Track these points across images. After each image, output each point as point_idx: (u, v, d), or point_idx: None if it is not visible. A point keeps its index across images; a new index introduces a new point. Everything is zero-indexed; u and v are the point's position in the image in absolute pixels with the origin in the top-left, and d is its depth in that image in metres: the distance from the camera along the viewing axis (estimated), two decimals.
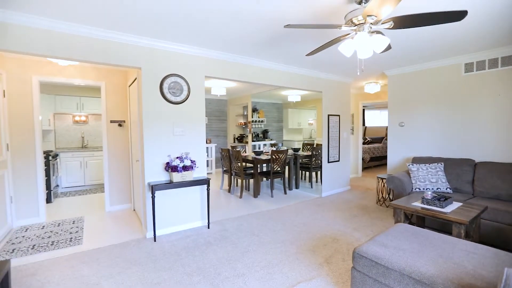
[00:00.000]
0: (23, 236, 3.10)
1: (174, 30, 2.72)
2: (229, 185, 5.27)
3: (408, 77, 4.34)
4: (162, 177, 3.14)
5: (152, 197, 2.91)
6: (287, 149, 5.16)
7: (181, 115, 3.24)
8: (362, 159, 7.61)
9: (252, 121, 8.25)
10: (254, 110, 8.71)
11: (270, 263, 2.46)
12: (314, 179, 6.43)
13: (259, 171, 5.36)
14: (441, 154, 3.98)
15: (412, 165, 3.59)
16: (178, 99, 3.20)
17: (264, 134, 9.07)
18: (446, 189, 3.38)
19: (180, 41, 3.04)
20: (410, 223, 2.88)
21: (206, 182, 3.27)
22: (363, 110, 10.65)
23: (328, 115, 4.93)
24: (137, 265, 2.44)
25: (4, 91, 3.27)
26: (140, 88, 3.02)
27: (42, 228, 3.33)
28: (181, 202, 3.28)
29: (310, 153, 5.69)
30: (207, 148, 7.61)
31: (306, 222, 3.55)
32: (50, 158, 4.55)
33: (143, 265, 2.44)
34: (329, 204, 4.37)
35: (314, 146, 6.53)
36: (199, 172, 3.40)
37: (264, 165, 6.05)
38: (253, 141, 8.14)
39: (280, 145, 7.60)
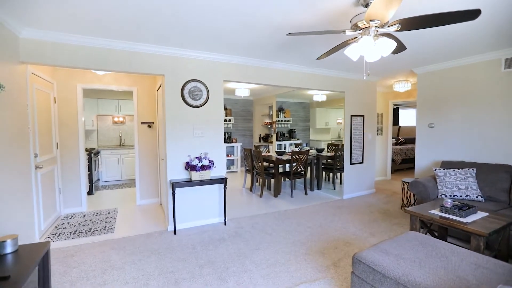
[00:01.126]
0: (68, 223, 3.58)
1: (195, 41, 2.92)
2: (251, 184, 5.42)
3: (439, 75, 4.04)
4: (183, 175, 3.39)
5: (172, 193, 3.17)
6: (308, 150, 5.15)
7: (201, 117, 3.46)
8: (393, 160, 7.23)
9: (278, 121, 8.30)
10: (280, 109, 8.75)
11: (277, 262, 2.54)
12: (337, 181, 6.29)
13: (281, 171, 5.43)
14: (474, 158, 3.66)
15: (439, 170, 3.37)
16: (198, 103, 3.42)
17: (290, 134, 9.05)
18: (477, 197, 3.12)
19: (199, 48, 3.24)
20: (430, 231, 2.74)
21: (223, 181, 3.44)
22: (397, 109, 10.04)
23: (351, 116, 4.80)
24: (157, 254, 2.70)
25: (55, 97, 3.80)
26: (164, 93, 3.29)
27: (83, 217, 3.82)
28: (200, 199, 3.51)
29: (334, 153, 5.59)
30: (233, 147, 7.86)
31: (321, 223, 3.55)
32: (92, 155, 5.13)
33: (161, 254, 2.69)
34: (349, 207, 4.28)
35: (340, 146, 6.39)
36: (217, 172, 3.59)
37: (288, 165, 6.10)
38: (278, 140, 8.20)
39: (304, 145, 7.56)
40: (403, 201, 4.16)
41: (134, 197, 4.89)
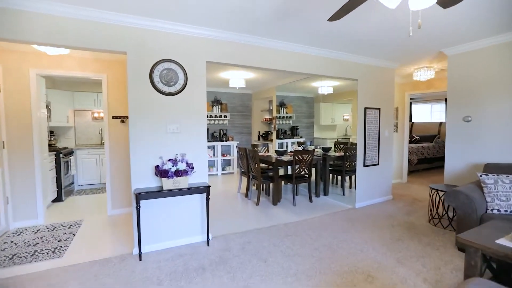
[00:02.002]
0: (12, 242, 2.85)
1: (166, 6, 2.15)
2: (247, 188, 4.66)
3: (478, 55, 3.23)
4: (153, 182, 2.63)
5: (136, 207, 2.42)
6: (314, 149, 4.37)
7: (176, 108, 2.69)
8: (408, 161, 6.42)
9: (278, 117, 7.52)
10: (282, 104, 7.96)
11: None
12: (347, 184, 5.51)
13: (281, 174, 4.66)
14: None
15: (486, 175, 2.57)
16: (172, 89, 2.66)
17: (293, 131, 8.27)
18: None
19: (173, 19, 2.48)
20: (492, 270, 1.95)
21: (205, 190, 2.69)
22: (409, 103, 9.21)
23: (365, 109, 4.01)
24: None
25: None
26: (126, 77, 2.53)
27: (35, 233, 3.09)
28: (176, 213, 2.76)
29: (343, 153, 4.80)
30: (229, 146, 7.11)
31: (331, 243, 2.78)
32: (61, 155, 4.41)
33: None
34: (364, 219, 3.50)
35: (348, 145, 5.59)
36: (198, 178, 2.83)
37: (289, 166, 5.33)
38: (279, 138, 7.43)
39: (308, 143, 6.78)
40: (431, 212, 3.37)
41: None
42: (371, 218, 3.55)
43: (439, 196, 3.29)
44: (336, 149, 5.93)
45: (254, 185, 5.08)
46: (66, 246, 2.75)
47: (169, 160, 2.59)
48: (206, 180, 2.87)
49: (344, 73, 3.79)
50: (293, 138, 7.96)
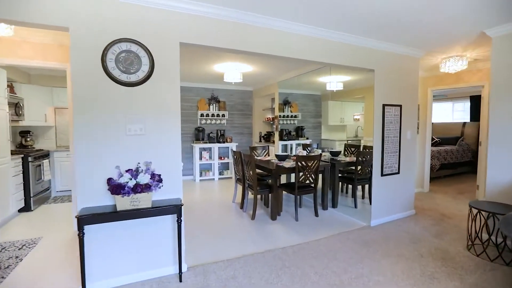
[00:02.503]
0: None
1: None
2: (242, 198, 4.02)
3: None
4: (108, 200, 2.01)
5: (79, 235, 1.81)
6: (320, 154, 3.68)
7: (139, 103, 2.07)
8: (430, 166, 5.64)
9: (282, 116, 6.85)
10: (286, 103, 7.28)
11: None
12: (359, 193, 4.79)
13: (283, 183, 4.00)
14: None
15: None
16: (133, 78, 2.03)
17: (298, 132, 7.58)
18: None
19: None
20: None
21: (175, 210, 2.05)
22: None
23: (384, 106, 3.30)
24: None
25: None
26: (70, 62, 1.92)
27: None
28: (141, 239, 2.13)
29: (355, 158, 4.10)
30: (227, 148, 6.47)
31: (342, 281, 2.10)
32: (30, 159, 3.86)
33: None
34: (382, 243, 2.80)
35: (361, 149, 4.88)
36: (169, 192, 2.20)
37: (293, 174, 4.65)
38: (283, 140, 6.76)
39: (315, 146, 6.09)
40: (470, 237, 2.65)
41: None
42: (392, 241, 2.85)
43: (482, 216, 2.56)
44: (346, 153, 5.22)
45: (251, 194, 4.43)
46: (1, 277, 2.16)
47: (128, 171, 1.97)
48: (180, 195, 2.24)
49: (359, 61, 3.09)
50: (298, 139, 7.27)
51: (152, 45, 2.08)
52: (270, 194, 3.74)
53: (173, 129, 2.19)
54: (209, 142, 6.15)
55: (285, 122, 7.12)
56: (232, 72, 4.44)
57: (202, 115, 6.18)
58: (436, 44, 3.23)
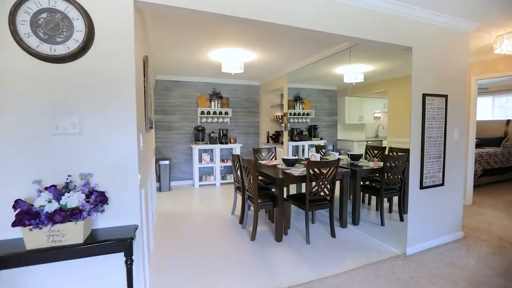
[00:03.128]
0: None
1: None
2: (242, 211, 3.32)
3: None
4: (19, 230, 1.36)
5: None
6: (338, 159, 2.91)
7: (72, 87, 1.41)
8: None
9: (293, 114, 6.10)
10: (297, 99, 6.52)
11: None
12: (386, 205, 3.96)
13: (290, 194, 3.27)
14: None
15: None
16: (61, 50, 1.37)
17: (311, 132, 6.79)
18: None
19: None
20: None
21: (123, 246, 1.37)
22: None
23: (424, 96, 2.49)
24: None
25: None
26: None
27: None
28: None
29: (381, 164, 3.30)
30: (231, 149, 5.79)
31: None
32: None
33: None
34: (426, 284, 2.01)
35: (387, 151, 4.05)
36: (121, 217, 1.52)
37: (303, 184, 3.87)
38: (294, 140, 6.01)
39: (330, 147, 5.30)
40: None
41: None
42: (441, 283, 2.05)
43: None
44: (368, 156, 4.41)
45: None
46: None
47: (49, 188, 1.31)
48: (136, 219, 1.56)
49: (392, 36, 2.31)
50: (311, 139, 6.49)
51: (91, 3, 1.41)
52: (274, 209, 3.01)
53: (127, 125, 1.52)
54: (210, 143, 5.50)
55: (296, 120, 6.36)
56: (231, 61, 3.74)
57: (202, 112, 5.53)
58: (495, 12, 2.39)
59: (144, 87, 2.13)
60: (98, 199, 1.39)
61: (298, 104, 6.46)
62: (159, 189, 4.97)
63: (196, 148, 5.27)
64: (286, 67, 4.76)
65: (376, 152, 4.28)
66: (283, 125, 5.44)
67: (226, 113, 5.74)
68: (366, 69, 4.71)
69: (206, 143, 5.44)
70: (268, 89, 5.82)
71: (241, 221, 3.33)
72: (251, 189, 2.92)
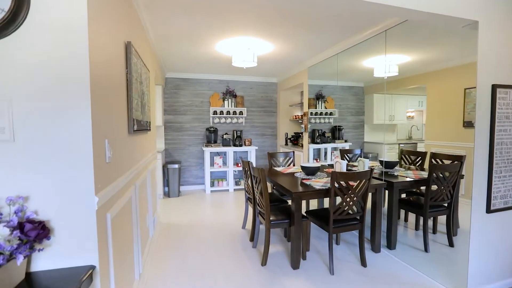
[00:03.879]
0: None
1: None
2: (253, 226, 2.84)
3: None
4: None
5: None
6: (372, 169, 2.32)
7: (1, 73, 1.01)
8: None
9: (314, 114, 5.52)
10: (319, 97, 5.92)
11: None
12: (429, 221, 3.28)
13: (310, 210, 2.74)
14: None
15: None
16: None
17: (334, 133, 6.15)
18: None
19: None
20: None
21: None
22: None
23: (494, 87, 1.85)
24: None
25: None
26: None
27: None
28: None
29: (424, 175, 2.66)
30: (246, 152, 5.34)
31: None
32: None
33: None
34: None
35: (428, 157, 3.37)
36: (73, 254, 1.10)
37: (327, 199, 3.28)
38: (315, 143, 5.43)
39: (357, 151, 4.68)
40: None
41: None
42: None
43: None
44: (404, 162, 3.75)
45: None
46: None
47: None
48: (92, 257, 1.13)
49: (453, 7, 1.71)
50: (334, 142, 5.87)
51: None
52: (291, 228, 2.49)
53: (79, 129, 1.09)
54: (222, 145, 5.08)
55: (317, 120, 5.76)
56: (243, 53, 3.27)
57: (215, 112, 5.13)
58: None
59: (127, 80, 1.72)
60: (33, 233, 0.97)
61: (320, 102, 5.87)
62: (168, 195, 4.64)
63: (207, 150, 4.87)
64: (307, 60, 4.22)
65: (413, 158, 3.62)
66: (303, 126, 4.89)
67: (241, 112, 5.30)
68: (402, 60, 4.04)
69: (219, 146, 5.03)
70: (286, 86, 5.29)
71: (251, 238, 2.86)
72: (262, 204, 2.43)
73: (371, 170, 2.26)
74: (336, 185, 2.18)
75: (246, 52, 3.27)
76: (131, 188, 1.79)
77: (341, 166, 2.97)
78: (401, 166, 3.67)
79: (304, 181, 2.58)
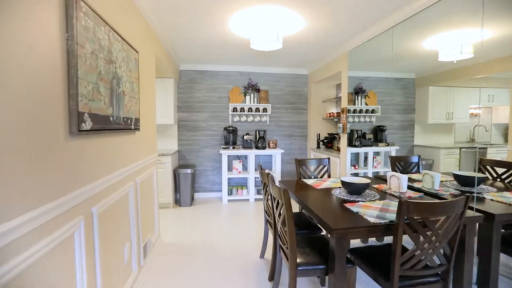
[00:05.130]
0: None
1: None
2: (274, 259, 2.07)
3: None
4: None
5: None
6: (467, 197, 1.43)
7: None
8: None
9: (353, 111, 4.59)
10: (358, 91, 4.96)
11: None
12: None
13: (353, 248, 1.92)
14: None
15: None
16: None
17: (377, 135, 5.14)
18: None
19: None
20: None
21: None
22: None
23: None
24: None
25: None
26: None
27: None
28: None
29: None
30: (270, 156, 4.60)
31: None
32: None
33: None
34: None
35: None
36: None
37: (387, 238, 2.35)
38: (354, 146, 4.51)
39: (414, 159, 3.70)
40: None
41: None
42: None
43: None
44: (497, 177, 2.73)
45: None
46: None
47: None
48: None
49: None
50: (377, 145, 4.87)
51: None
52: (328, 276, 1.68)
53: None
54: (243, 148, 4.39)
55: (356, 119, 4.81)
56: (264, 31, 2.51)
57: (234, 109, 4.45)
58: None
59: (68, 51, 1.07)
60: None
61: (359, 98, 4.90)
62: (179, 203, 4.06)
63: (225, 154, 4.20)
64: (347, 42, 3.35)
65: (499, 170, 2.60)
66: (340, 125, 4.00)
67: (265, 110, 4.55)
68: (481, 38, 2.98)
69: (238, 148, 4.34)
70: (319, 78, 4.42)
71: (271, 277, 2.10)
72: (284, 238, 1.66)
73: (466, 197, 1.37)
74: (407, 220, 1.34)
75: (267, 29, 2.50)
76: (77, 218, 1.14)
77: (400, 183, 2.08)
78: (496, 179, 2.68)
79: (347, 205, 1.76)
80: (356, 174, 4.51)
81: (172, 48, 3.40)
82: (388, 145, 5.23)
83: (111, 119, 1.48)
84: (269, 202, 2.04)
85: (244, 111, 4.49)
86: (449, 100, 5.53)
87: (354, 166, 4.75)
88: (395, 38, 3.17)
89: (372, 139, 5.06)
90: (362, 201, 1.84)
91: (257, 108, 4.53)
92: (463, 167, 4.07)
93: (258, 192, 4.45)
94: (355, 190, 1.98)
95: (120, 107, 1.61)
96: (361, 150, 4.78)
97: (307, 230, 2.10)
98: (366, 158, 5.02)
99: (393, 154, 5.05)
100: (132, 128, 1.84)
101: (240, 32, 2.78)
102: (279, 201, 1.62)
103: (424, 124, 5.54)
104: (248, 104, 4.49)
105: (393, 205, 1.75)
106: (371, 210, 1.66)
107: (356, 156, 5.08)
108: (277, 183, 3.67)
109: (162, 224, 3.30)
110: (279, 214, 1.71)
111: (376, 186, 2.31)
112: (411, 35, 3.09)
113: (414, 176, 2.93)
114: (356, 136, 4.70)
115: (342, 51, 3.57)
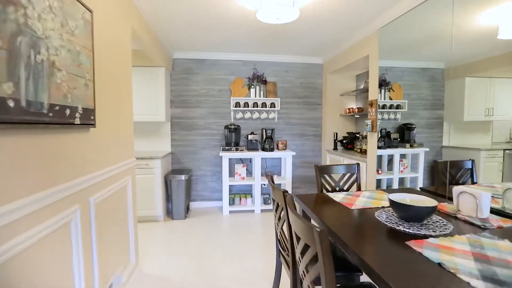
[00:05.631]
0: None
1: None
2: None
3: None
4: None
5: None
6: None
7: None
8: None
9: (380, 107, 3.89)
10: (382, 84, 4.27)
11: None
12: None
13: None
14: None
15: None
16: None
17: (403, 134, 4.42)
18: None
19: None
20: None
21: None
22: None
23: None
24: None
25: None
26: None
27: None
28: None
29: None
30: (279, 159, 3.94)
31: None
32: None
33: None
34: None
35: None
36: None
37: None
38: (381, 148, 3.83)
39: (468, 165, 3.00)
40: None
41: None
42: None
43: None
44: None
45: None
46: None
47: None
48: None
49: None
50: (404, 146, 4.17)
51: None
52: None
53: None
54: (247, 150, 3.74)
55: (379, 116, 4.12)
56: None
57: (237, 104, 3.81)
58: None
59: None
60: None
61: (382, 91, 4.20)
62: (171, 216, 3.42)
63: (226, 156, 3.56)
64: (378, 17, 2.67)
65: None
66: (368, 122, 3.32)
67: (272, 104, 3.89)
68: None
69: (242, 150, 3.69)
70: (337, 67, 3.74)
71: None
72: None
73: None
74: None
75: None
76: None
77: (479, 205, 1.40)
78: None
79: (413, 244, 1.09)
80: (379, 181, 3.82)
81: (159, 28, 2.77)
82: (415, 146, 4.50)
83: (14, 104, 0.84)
84: (285, 229, 1.39)
85: (248, 107, 3.83)
86: (489, 93, 4.66)
87: (378, 171, 4.04)
88: (438, 13, 2.49)
89: (398, 139, 4.33)
90: (433, 237, 1.17)
91: (263, 103, 3.88)
92: (508, 173, 3.28)
93: (265, 202, 3.79)
94: (415, 216, 1.31)
95: (43, 87, 0.98)
96: (385, 152, 4.10)
97: (344, 272, 1.44)
98: (389, 161, 4.32)
99: (422, 157, 4.32)
100: (77, 123, 1.20)
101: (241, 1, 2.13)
102: (311, 246, 0.95)
103: (456, 122, 4.72)
104: (253, 98, 3.84)
105: (488, 245, 1.08)
106: (459, 258, 0.99)
107: (379, 159, 4.37)
108: (288, 189, 2.97)
109: (145, 245, 2.67)
110: (301, 251, 1.05)
111: (443, 209, 1.63)
112: (466, 4, 2.38)
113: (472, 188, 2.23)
114: (380, 135, 4.00)
115: (369, 30, 2.89)
